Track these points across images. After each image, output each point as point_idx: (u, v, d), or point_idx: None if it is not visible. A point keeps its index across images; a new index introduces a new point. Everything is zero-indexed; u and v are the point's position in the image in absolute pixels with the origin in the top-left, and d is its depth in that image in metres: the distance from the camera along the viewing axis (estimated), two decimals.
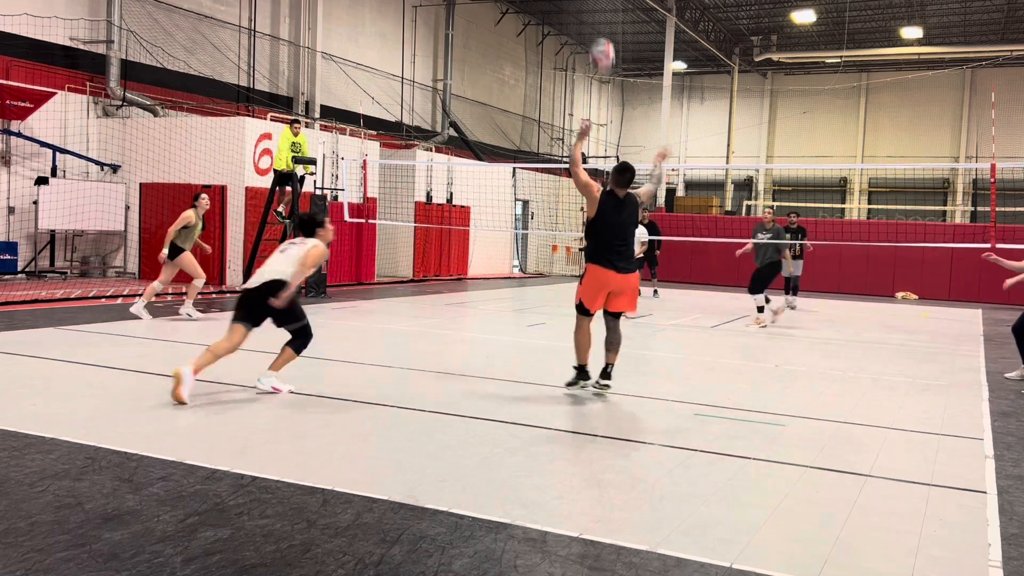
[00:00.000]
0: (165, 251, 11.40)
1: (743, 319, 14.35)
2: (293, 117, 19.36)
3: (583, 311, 7.27)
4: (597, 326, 7.42)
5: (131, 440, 5.27)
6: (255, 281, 6.86)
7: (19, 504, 4.11)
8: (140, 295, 11.75)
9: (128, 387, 6.90)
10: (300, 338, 6.99)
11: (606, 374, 7.24)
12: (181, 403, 6.31)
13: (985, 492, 4.93)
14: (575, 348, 7.32)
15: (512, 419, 6.27)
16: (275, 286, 6.70)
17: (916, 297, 22.42)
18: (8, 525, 3.83)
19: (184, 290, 12.48)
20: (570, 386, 7.37)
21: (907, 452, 5.83)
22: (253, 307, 6.82)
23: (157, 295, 11.97)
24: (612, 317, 7.32)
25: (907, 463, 5.53)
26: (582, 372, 7.34)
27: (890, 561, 3.86)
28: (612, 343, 7.31)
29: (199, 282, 11.72)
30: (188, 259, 11.54)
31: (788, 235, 16.58)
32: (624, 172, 7.26)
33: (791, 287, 16.85)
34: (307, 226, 7.16)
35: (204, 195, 11.97)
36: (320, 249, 6.96)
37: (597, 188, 7.15)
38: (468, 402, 6.84)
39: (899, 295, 22.64)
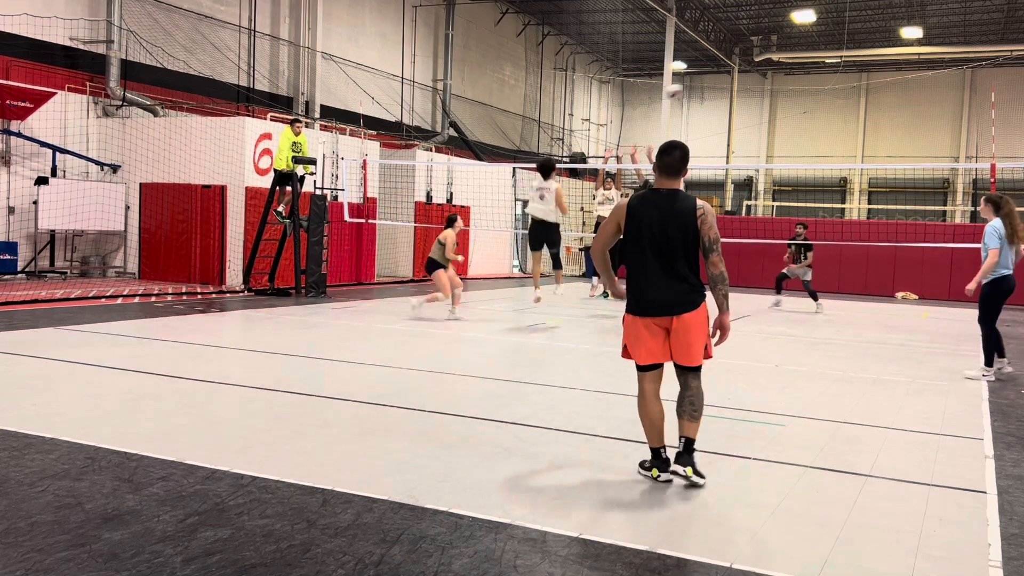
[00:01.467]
0: (459, 257, 12.39)
1: (743, 319, 14.35)
2: (294, 117, 19.36)
3: (639, 367, 5.01)
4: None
5: (131, 440, 5.27)
6: (540, 216, 11.87)
7: (19, 504, 4.11)
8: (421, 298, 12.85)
9: (128, 387, 6.90)
10: (558, 257, 11.99)
11: (683, 456, 4.83)
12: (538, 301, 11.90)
13: (985, 492, 4.93)
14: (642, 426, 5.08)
15: (512, 419, 6.27)
16: (551, 225, 11.65)
17: (916, 297, 22.42)
18: (8, 525, 3.83)
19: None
20: (642, 468, 5.04)
21: (907, 452, 5.83)
22: (539, 237, 11.78)
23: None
24: (682, 371, 4.96)
25: (907, 463, 5.53)
26: (656, 457, 4.95)
27: (890, 561, 3.86)
28: (684, 405, 4.93)
29: (442, 296, 12.53)
30: (443, 276, 12.33)
31: (791, 248, 16.47)
32: (667, 153, 4.91)
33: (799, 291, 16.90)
34: (548, 169, 11.69)
35: (459, 218, 12.80)
36: (561, 186, 11.82)
37: (620, 206, 5.04)
38: (468, 402, 6.84)
39: (899, 295, 22.64)
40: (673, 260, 4.80)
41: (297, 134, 15.11)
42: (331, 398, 6.80)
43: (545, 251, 12.75)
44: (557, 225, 12.00)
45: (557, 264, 12.27)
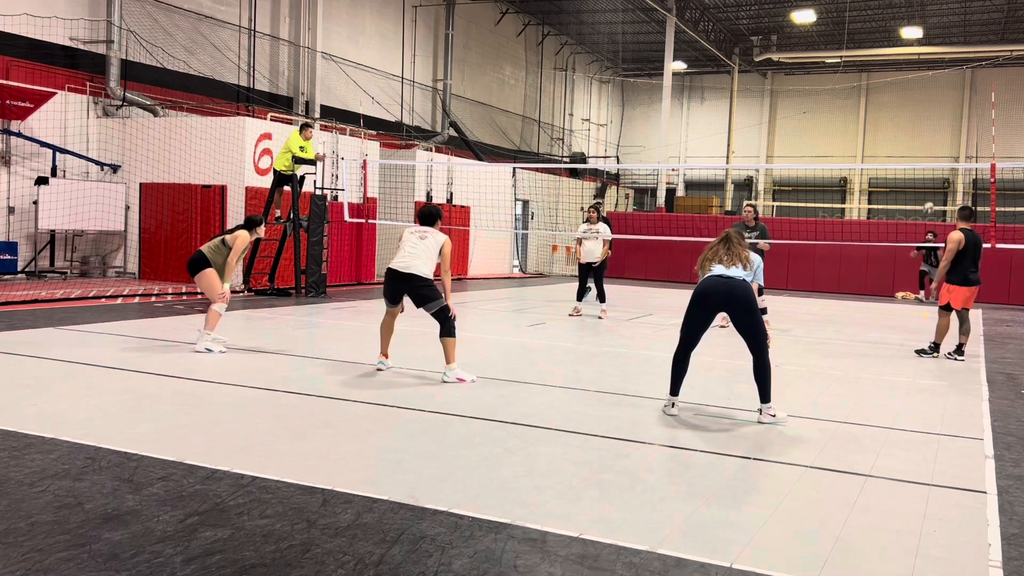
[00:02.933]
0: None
1: None
2: (304, 121, 19.31)
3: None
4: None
5: (131, 440, 5.27)
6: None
7: (19, 504, 4.10)
8: None
9: (128, 387, 6.90)
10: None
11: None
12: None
13: (985, 492, 4.93)
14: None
15: (512, 419, 6.27)
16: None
17: (916, 297, 22.41)
18: (8, 525, 3.83)
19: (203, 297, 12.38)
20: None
21: (907, 452, 5.83)
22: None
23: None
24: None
25: (907, 463, 5.52)
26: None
27: (890, 561, 3.86)
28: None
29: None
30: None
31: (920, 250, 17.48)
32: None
33: None
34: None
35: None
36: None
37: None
38: (468, 402, 6.84)
39: (899, 295, 22.63)
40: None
41: (307, 139, 15.07)
42: (331, 398, 6.80)
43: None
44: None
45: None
